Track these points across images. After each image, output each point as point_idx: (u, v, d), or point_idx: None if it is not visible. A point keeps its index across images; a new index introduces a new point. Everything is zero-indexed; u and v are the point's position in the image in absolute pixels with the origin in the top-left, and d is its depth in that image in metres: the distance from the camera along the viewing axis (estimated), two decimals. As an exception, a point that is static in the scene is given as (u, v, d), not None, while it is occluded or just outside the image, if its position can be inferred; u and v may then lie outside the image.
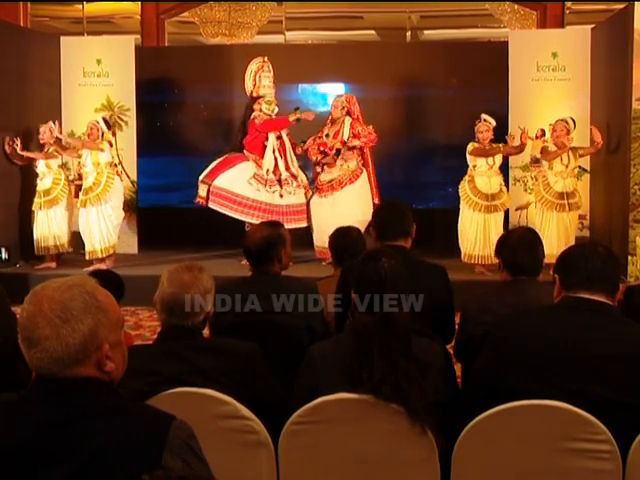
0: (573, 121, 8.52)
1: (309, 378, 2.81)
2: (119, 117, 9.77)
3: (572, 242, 7.62)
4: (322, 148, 8.83)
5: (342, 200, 8.66)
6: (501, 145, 8.53)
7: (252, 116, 9.01)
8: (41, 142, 8.85)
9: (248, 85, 9.13)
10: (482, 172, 8.53)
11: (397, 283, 2.85)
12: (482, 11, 10.06)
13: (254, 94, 9.08)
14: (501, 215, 8.63)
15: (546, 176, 8.52)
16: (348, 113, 8.91)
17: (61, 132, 8.98)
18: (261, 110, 8.93)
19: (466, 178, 8.62)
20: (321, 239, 8.35)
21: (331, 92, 9.92)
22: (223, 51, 10.88)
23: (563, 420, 2.53)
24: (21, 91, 9.15)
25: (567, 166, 8.42)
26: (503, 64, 9.32)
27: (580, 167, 9.32)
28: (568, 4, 10.07)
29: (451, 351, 3.62)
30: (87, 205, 8.69)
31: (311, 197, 9.09)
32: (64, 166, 9.36)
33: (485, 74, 9.41)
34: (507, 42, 9.44)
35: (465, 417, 2.63)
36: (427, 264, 4.09)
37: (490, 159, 8.52)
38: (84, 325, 1.76)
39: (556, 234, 8.23)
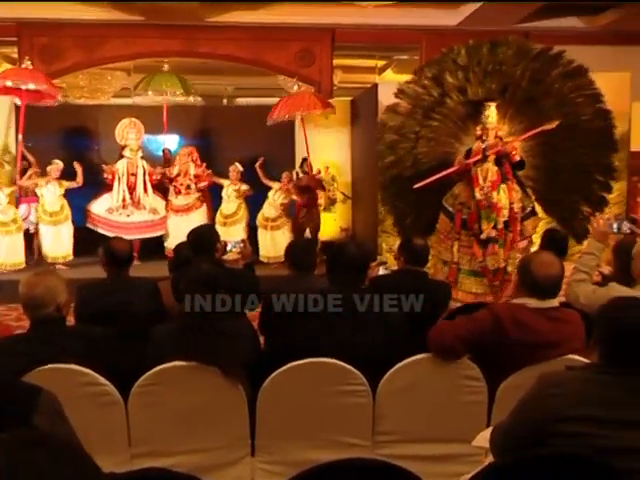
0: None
1: (151, 351, 2.73)
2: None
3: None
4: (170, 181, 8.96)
5: (193, 218, 8.49)
6: None
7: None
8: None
9: (118, 136, 8.81)
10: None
11: (215, 282, 2.83)
12: (277, 86, 10.15)
13: (122, 143, 8.81)
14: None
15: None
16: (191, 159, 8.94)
17: None
18: (123, 156, 8.71)
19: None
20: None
21: (167, 141, 9.78)
22: (85, 109, 10.37)
23: (333, 371, 2.61)
24: None
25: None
26: (293, 123, 9.53)
27: (344, 194, 9.66)
28: (335, 82, 10.33)
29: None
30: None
31: (167, 214, 8.91)
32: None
33: (282, 129, 9.48)
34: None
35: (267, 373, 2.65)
36: (236, 269, 4.20)
37: None
38: None
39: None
